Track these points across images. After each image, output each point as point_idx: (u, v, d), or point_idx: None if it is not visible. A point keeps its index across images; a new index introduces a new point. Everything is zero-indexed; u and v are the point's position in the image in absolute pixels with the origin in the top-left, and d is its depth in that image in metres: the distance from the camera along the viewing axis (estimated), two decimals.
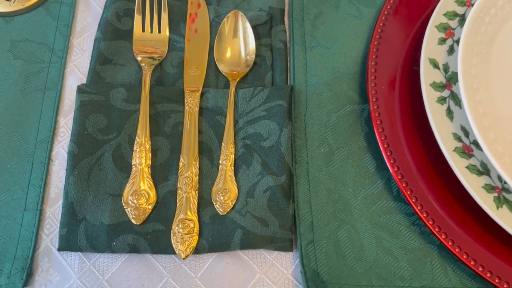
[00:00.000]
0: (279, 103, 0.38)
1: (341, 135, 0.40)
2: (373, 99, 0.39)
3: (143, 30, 0.42)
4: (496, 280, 0.34)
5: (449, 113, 0.38)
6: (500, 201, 0.35)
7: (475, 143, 0.36)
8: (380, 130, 0.38)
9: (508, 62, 0.39)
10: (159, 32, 0.42)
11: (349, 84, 0.41)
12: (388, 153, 0.38)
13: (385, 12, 0.42)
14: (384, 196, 0.38)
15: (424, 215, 0.36)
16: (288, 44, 0.43)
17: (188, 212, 0.36)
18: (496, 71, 0.39)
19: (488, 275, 0.35)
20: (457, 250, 0.35)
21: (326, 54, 0.42)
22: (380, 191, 0.38)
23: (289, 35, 0.43)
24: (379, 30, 0.41)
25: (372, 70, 0.40)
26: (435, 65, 0.39)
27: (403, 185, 0.37)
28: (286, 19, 0.44)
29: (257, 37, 0.42)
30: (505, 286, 0.34)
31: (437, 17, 0.40)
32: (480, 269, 0.35)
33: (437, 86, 0.38)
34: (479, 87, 0.38)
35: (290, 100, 0.39)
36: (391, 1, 0.42)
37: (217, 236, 0.35)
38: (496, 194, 0.35)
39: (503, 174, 0.34)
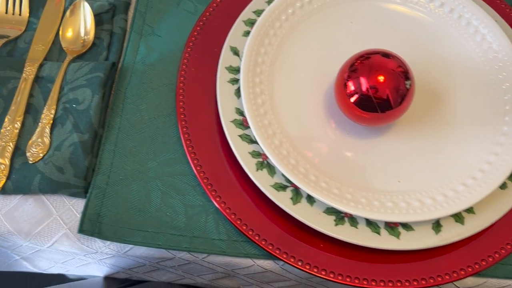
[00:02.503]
0: (97, 75, 0.45)
1: (155, 108, 0.46)
2: (181, 78, 0.45)
3: (6, 12, 0.50)
4: (250, 232, 0.39)
5: (238, 92, 0.43)
6: (262, 166, 0.40)
7: None
8: (181, 104, 0.44)
9: (293, 57, 0.45)
10: (20, 14, 0.50)
11: (171, 67, 0.47)
12: (183, 123, 0.43)
13: (210, 9, 0.49)
14: (180, 161, 0.44)
15: (201, 174, 0.41)
16: (128, 30, 0.50)
17: (2, 159, 0.42)
18: (281, 61, 0.45)
19: (244, 227, 0.39)
20: (222, 205, 0.40)
21: (157, 41, 0.49)
22: (178, 156, 0.44)
23: (130, 24, 0.50)
24: (201, 23, 0.48)
25: (187, 55, 0.46)
26: (235, 53, 0.45)
27: (189, 149, 0.42)
28: (131, 11, 0.51)
29: (100, 23, 0.49)
30: (263, 243, 0.39)
31: (246, 13, 0.47)
32: (238, 222, 0.40)
33: (233, 70, 0.44)
34: (263, 71, 0.44)
35: (108, 74, 0.45)
36: (218, 0, 0.49)
37: (22, 180, 0.41)
38: (260, 160, 0.41)
39: (260, 141, 0.40)
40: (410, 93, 0.39)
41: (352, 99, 0.39)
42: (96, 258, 0.44)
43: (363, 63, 0.39)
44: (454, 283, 0.40)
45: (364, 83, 0.38)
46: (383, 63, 0.39)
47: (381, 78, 0.38)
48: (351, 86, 0.39)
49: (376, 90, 0.38)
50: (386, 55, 0.39)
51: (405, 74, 0.38)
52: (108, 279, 0.51)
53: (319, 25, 0.47)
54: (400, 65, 0.39)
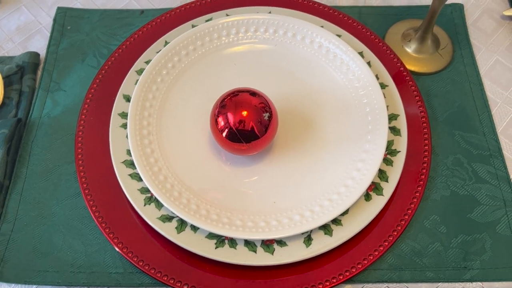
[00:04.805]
0: (2, 131, 0.49)
1: (59, 157, 0.50)
2: (80, 127, 0.50)
3: None
4: (140, 263, 0.43)
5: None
6: (150, 200, 0.44)
7: None
8: (79, 151, 0.48)
9: (181, 100, 0.50)
10: None
11: (73, 117, 0.52)
12: (80, 168, 0.47)
13: (109, 62, 0.54)
14: (81, 204, 0.47)
15: (96, 214, 0.45)
16: (36, 88, 0.54)
17: None
18: (170, 104, 0.50)
19: (135, 259, 0.43)
20: (115, 241, 0.44)
21: (62, 96, 0.54)
22: (79, 200, 0.47)
23: (38, 82, 0.55)
24: (100, 76, 0.53)
25: (86, 106, 0.51)
26: (128, 100, 0.50)
27: (86, 191, 0.46)
28: (41, 71, 0.56)
29: (9, 84, 0.54)
30: (152, 271, 0.42)
31: (138, 63, 0.52)
32: (129, 255, 0.43)
33: (125, 115, 0.49)
34: (152, 114, 0.48)
35: (13, 130, 0.50)
36: (116, 54, 0.54)
37: None
38: (149, 195, 0.45)
39: (143, 177, 0.44)
40: (273, 123, 0.44)
41: (224, 134, 0.44)
42: None
43: (231, 100, 0.44)
44: None
45: (231, 118, 0.43)
46: (247, 99, 0.44)
47: (244, 113, 0.43)
48: (221, 122, 0.44)
49: (242, 124, 0.43)
50: (253, 93, 0.44)
51: (265, 108, 0.43)
52: None
53: (205, 69, 0.52)
54: (262, 102, 0.44)
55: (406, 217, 0.45)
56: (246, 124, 0.43)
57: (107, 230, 0.44)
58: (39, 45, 0.58)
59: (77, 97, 0.53)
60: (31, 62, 0.55)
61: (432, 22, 0.53)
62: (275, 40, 0.53)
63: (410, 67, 0.55)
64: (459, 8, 0.59)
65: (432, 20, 0.53)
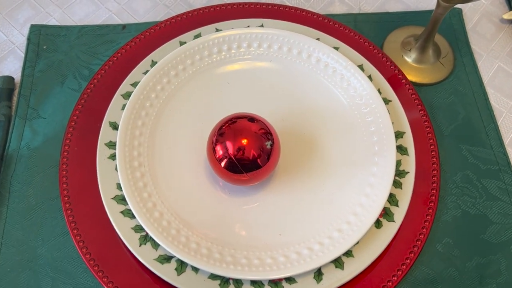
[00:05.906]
0: None
1: (42, 193, 0.46)
2: (64, 159, 0.46)
3: None
4: None
5: None
6: (146, 239, 0.41)
7: None
8: (64, 186, 0.44)
9: (173, 124, 0.47)
10: None
11: (55, 147, 0.48)
12: (67, 205, 0.43)
13: (91, 85, 0.50)
14: (69, 243, 0.43)
15: (87, 256, 0.41)
16: (12, 117, 0.50)
17: None
18: (161, 130, 0.46)
19: None
20: (110, 285, 0.40)
21: (42, 123, 0.49)
22: (67, 239, 0.44)
23: (15, 109, 0.50)
24: (82, 101, 0.49)
25: (69, 135, 0.47)
26: (115, 127, 0.46)
27: (74, 231, 0.42)
28: (16, 96, 0.52)
29: None
30: None
31: (124, 87, 0.48)
32: None
33: (112, 145, 0.45)
34: (142, 143, 0.45)
35: None
36: (98, 75, 0.50)
37: None
38: (144, 234, 0.41)
39: (137, 216, 0.40)
40: (275, 150, 0.40)
41: (222, 164, 0.40)
42: None
43: (229, 127, 0.41)
44: None
45: (230, 147, 0.40)
46: (246, 126, 0.40)
47: (244, 141, 0.40)
48: (220, 151, 0.40)
49: (242, 152, 0.40)
50: (252, 119, 0.41)
51: (266, 134, 0.40)
52: None
53: (197, 90, 0.49)
54: (262, 128, 0.40)
55: (419, 242, 0.42)
56: (247, 152, 0.40)
57: (100, 273, 0.41)
58: (13, 67, 0.53)
59: (58, 124, 0.49)
60: (5, 87, 0.51)
61: (434, 31, 0.51)
62: (269, 56, 0.50)
63: (411, 78, 0.52)
64: (458, 12, 0.57)
65: (434, 29, 0.50)
